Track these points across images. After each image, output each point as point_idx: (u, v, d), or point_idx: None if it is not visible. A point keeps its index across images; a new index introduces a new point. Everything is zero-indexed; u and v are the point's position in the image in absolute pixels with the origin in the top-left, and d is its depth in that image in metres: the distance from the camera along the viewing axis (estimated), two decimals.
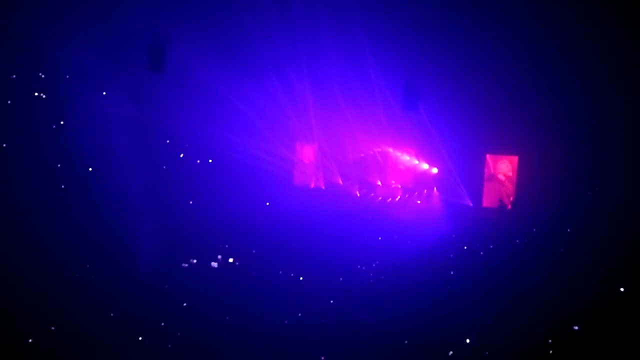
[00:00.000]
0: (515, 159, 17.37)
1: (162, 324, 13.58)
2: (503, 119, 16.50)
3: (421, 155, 17.87)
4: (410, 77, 15.62)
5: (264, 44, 15.68)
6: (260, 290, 15.13)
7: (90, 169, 15.68)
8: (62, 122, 15.89)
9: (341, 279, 15.64)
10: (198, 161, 16.96)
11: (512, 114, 16.35)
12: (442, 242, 16.70)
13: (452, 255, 16.35)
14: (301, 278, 15.59)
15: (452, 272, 15.78)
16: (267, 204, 16.65)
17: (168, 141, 16.62)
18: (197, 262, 15.85)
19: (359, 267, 16.08)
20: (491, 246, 16.41)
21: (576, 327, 12.79)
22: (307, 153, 17.41)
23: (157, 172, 16.17)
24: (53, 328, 12.61)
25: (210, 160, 16.91)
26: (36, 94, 15.74)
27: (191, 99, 16.03)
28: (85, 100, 15.52)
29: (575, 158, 16.10)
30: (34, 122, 15.47)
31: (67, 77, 15.57)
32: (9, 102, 15.10)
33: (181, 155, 16.73)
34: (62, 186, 15.57)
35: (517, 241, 16.32)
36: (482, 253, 16.29)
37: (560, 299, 13.63)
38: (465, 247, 16.56)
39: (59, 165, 15.65)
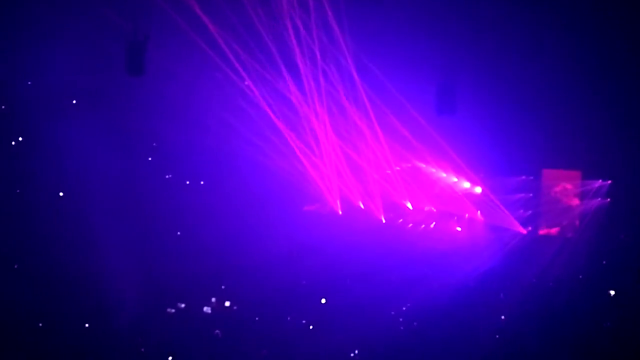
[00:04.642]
0: (579, 175, 16.40)
1: None
2: (562, 126, 15.44)
3: (461, 171, 16.68)
4: (445, 77, 14.14)
5: (276, 47, 14.88)
6: (264, 341, 13.93)
7: (61, 194, 14.99)
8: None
9: (364, 326, 14.20)
10: (187, 182, 15.85)
11: (573, 119, 15.28)
12: (489, 279, 15.67)
13: (502, 296, 15.39)
14: (311, 327, 14.47)
15: (502, 317, 14.83)
16: (271, 232, 15.56)
17: (150, 159, 15.45)
18: (185, 306, 14.83)
19: (385, 311, 14.92)
20: (551, 284, 15.50)
21: None
22: (321, 170, 16.14)
23: (138, 195, 15.09)
24: None
25: (202, 182, 15.89)
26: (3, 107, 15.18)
27: (181, 112, 15.08)
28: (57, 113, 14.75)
29: None
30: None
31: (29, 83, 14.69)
32: None
33: (168, 177, 15.76)
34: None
35: (580, 277, 15.43)
36: (539, 292, 15.23)
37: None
38: (518, 286, 15.37)
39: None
